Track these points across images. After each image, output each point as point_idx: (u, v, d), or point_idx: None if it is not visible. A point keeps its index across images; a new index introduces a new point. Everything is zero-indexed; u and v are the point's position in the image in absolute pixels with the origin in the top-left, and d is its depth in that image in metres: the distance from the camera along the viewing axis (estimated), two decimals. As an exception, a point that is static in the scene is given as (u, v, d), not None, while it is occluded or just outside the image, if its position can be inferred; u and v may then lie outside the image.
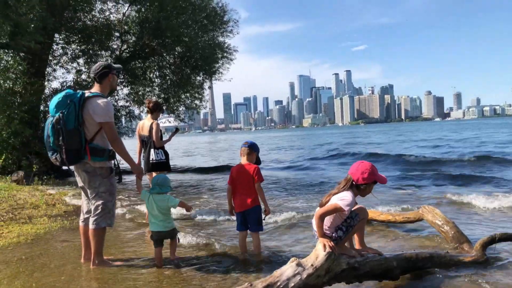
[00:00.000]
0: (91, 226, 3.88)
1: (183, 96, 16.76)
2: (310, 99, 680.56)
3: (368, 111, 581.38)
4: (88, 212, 4.00)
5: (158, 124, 6.24)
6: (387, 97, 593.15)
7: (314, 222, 3.35)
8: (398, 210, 6.64)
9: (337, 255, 3.22)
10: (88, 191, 3.92)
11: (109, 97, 15.59)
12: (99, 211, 3.85)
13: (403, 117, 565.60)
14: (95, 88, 4.00)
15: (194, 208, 7.01)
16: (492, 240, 4.66)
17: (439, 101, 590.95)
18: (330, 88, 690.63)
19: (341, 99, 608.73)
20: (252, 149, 4.40)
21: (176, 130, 6.92)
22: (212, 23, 15.55)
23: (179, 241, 4.29)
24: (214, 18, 15.52)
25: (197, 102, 17.05)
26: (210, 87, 19.23)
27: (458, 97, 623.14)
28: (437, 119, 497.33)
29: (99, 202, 3.85)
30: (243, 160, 4.40)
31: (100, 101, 3.82)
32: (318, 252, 3.20)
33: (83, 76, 14.09)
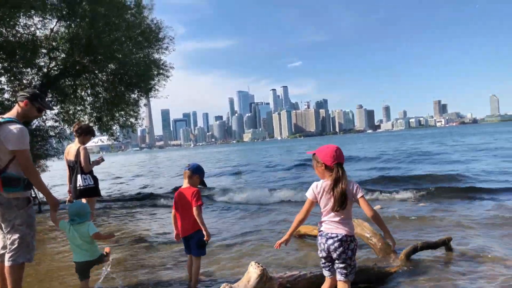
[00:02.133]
0: (7, 263, 3.55)
1: (117, 115, 16.11)
2: (249, 114, 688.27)
3: (305, 125, 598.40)
4: (4, 247, 3.67)
5: (85, 149, 5.91)
6: (322, 111, 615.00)
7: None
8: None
9: (269, 277, 3.24)
10: (3, 224, 3.59)
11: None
12: (15, 245, 3.54)
13: (337, 130, 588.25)
14: (10, 113, 3.74)
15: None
16: (415, 249, 4.96)
17: (370, 114, 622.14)
18: (268, 103, 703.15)
19: (279, 114, 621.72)
20: (194, 172, 4.29)
21: (100, 160, 6.30)
22: (147, 40, 15.24)
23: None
24: (149, 35, 15.22)
25: (132, 120, 16.45)
26: (146, 105, 18.79)
27: (387, 110, 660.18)
28: (369, 131, 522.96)
29: (16, 236, 3.54)
30: (185, 183, 4.31)
31: (13, 127, 3.53)
32: (250, 275, 3.21)
33: (6, 95, 13.15)
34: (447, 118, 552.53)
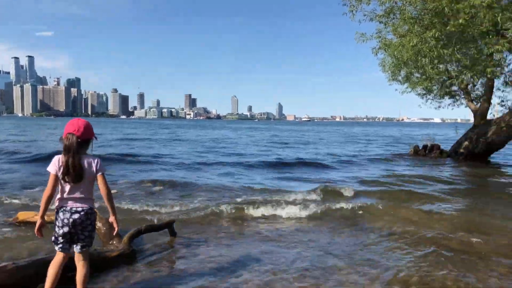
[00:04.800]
0: None
1: None
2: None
3: (54, 103, 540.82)
4: None
5: None
6: (74, 91, 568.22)
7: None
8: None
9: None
10: None
11: None
12: None
13: (89, 112, 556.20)
14: None
15: None
16: (139, 232, 5.12)
17: (124, 100, 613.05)
18: (8, 72, 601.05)
19: (21, 87, 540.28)
20: None
21: None
22: None
23: None
24: None
25: None
26: None
27: (141, 97, 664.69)
28: (123, 116, 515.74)
29: None
30: None
31: None
32: None
33: None
34: (196, 111, 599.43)
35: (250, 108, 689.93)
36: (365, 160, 17.74)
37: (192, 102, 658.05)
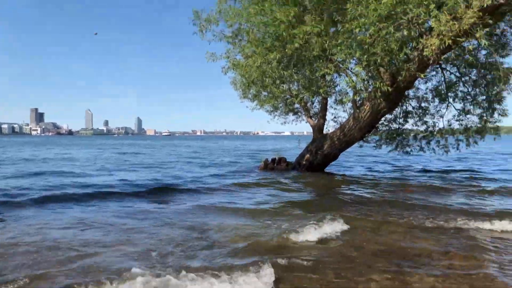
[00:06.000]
0: None
1: None
2: None
3: None
4: None
5: None
6: None
7: None
8: None
9: None
10: None
11: None
12: None
13: None
14: None
15: None
16: None
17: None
18: None
19: None
20: None
21: None
22: None
23: None
24: None
25: None
26: None
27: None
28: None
29: None
30: None
31: None
32: None
33: None
34: (43, 127, 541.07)
35: (106, 123, 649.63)
36: (225, 176, 18.03)
37: (39, 117, 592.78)
